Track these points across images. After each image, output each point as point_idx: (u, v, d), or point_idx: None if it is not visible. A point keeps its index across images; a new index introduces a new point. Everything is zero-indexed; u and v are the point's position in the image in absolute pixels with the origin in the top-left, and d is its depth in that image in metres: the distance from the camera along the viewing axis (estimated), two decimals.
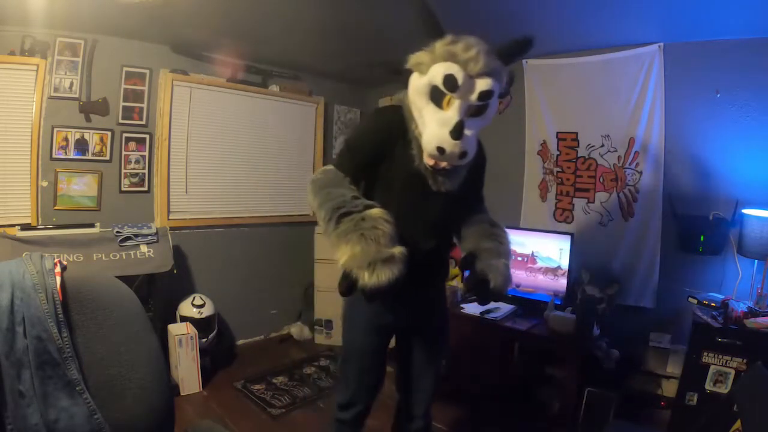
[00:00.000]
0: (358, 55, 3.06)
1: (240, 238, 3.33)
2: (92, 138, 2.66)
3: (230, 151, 3.22)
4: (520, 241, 2.58)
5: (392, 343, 1.52)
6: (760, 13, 1.88)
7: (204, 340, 2.72)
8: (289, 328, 3.58)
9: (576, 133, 2.71)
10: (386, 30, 2.46)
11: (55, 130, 2.53)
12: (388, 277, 1.04)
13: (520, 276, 2.57)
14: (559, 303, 2.38)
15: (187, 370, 2.57)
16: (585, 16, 2.13)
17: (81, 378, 0.87)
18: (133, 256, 2.51)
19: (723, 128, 2.22)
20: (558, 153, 2.79)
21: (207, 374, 2.72)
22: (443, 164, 1.18)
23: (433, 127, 1.13)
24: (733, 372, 1.79)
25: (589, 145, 2.66)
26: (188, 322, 2.70)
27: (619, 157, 2.55)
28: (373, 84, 3.89)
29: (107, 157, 2.71)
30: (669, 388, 2.20)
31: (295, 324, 3.58)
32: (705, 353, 1.85)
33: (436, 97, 1.14)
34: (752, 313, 1.86)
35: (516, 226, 2.81)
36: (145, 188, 2.88)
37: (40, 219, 2.52)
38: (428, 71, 1.14)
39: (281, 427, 2.31)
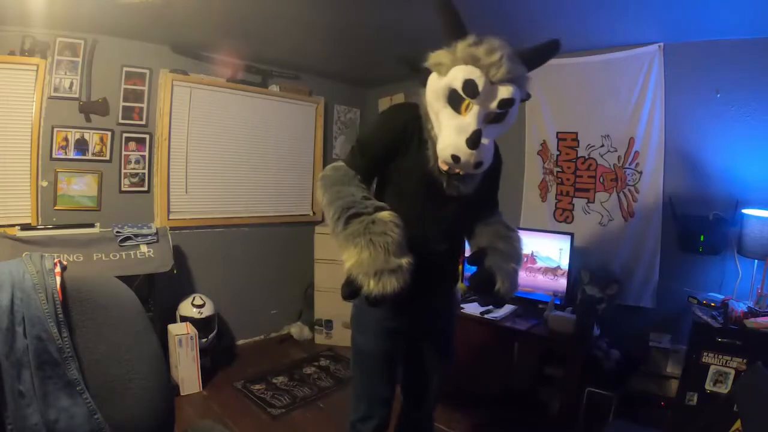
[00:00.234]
0: (358, 55, 3.06)
1: (240, 238, 3.33)
2: (92, 138, 2.66)
3: (230, 151, 3.22)
4: None
5: None
6: (760, 13, 1.88)
7: (204, 340, 2.72)
8: (289, 328, 3.58)
9: (576, 133, 2.71)
10: (387, 30, 2.47)
11: (55, 130, 2.53)
12: (393, 287, 1.02)
13: (520, 276, 2.56)
14: (559, 303, 2.38)
15: (187, 370, 2.57)
16: (585, 16, 2.12)
17: (81, 378, 0.87)
18: (133, 256, 2.51)
19: (723, 128, 2.22)
20: (558, 153, 2.79)
21: (207, 374, 2.72)
22: (457, 170, 1.15)
23: (450, 134, 1.08)
24: (733, 372, 1.79)
25: (589, 145, 2.66)
26: (188, 322, 2.70)
27: (619, 157, 2.55)
28: (373, 84, 3.89)
29: (107, 157, 2.71)
30: (669, 388, 2.20)
31: (295, 324, 3.58)
32: (705, 353, 1.85)
33: (454, 101, 1.09)
34: (752, 313, 1.86)
35: (516, 226, 2.80)
36: (145, 188, 2.88)
37: (40, 219, 2.52)
38: (448, 73, 1.08)
39: (281, 427, 2.31)
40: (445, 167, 1.15)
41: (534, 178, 2.91)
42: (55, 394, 0.84)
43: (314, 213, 3.69)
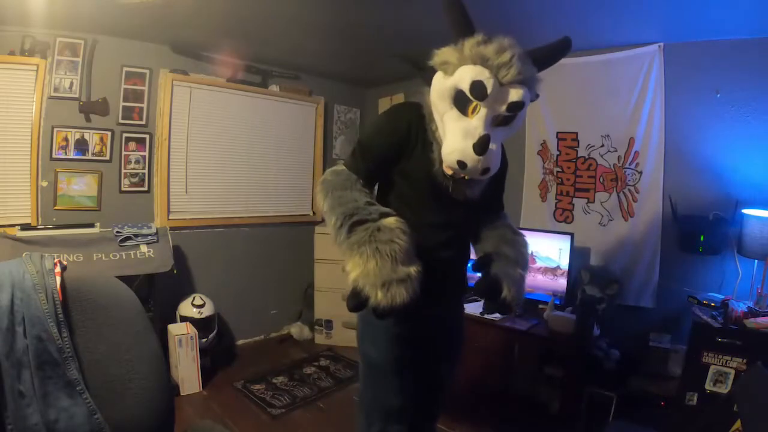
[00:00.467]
0: (358, 55, 3.06)
1: (240, 238, 3.33)
2: (92, 138, 2.66)
3: (230, 151, 3.22)
4: None
5: None
6: (760, 13, 1.88)
7: (204, 340, 2.72)
8: (289, 328, 3.58)
9: (576, 133, 2.71)
10: (387, 30, 2.47)
11: (55, 130, 2.53)
12: (403, 298, 0.98)
13: None
14: (558, 303, 2.38)
15: (187, 370, 2.57)
16: (585, 16, 2.12)
17: (81, 378, 0.87)
18: (133, 256, 2.51)
19: (723, 128, 2.22)
20: (558, 153, 2.79)
21: (207, 374, 2.72)
22: (463, 175, 1.10)
23: (456, 138, 1.03)
24: (733, 372, 1.79)
25: (589, 145, 2.66)
26: (188, 322, 2.70)
27: (619, 157, 2.55)
28: (373, 84, 3.89)
29: (107, 157, 2.71)
30: (669, 388, 2.20)
31: (295, 324, 3.58)
32: (705, 353, 1.85)
33: (460, 102, 1.03)
34: (752, 313, 1.86)
35: (516, 226, 2.81)
36: (145, 188, 2.88)
37: (40, 219, 2.52)
38: (455, 73, 1.03)
39: (281, 427, 2.31)
40: (450, 172, 1.10)
41: (534, 178, 2.91)
42: (55, 394, 0.84)
43: (314, 213, 3.69)
